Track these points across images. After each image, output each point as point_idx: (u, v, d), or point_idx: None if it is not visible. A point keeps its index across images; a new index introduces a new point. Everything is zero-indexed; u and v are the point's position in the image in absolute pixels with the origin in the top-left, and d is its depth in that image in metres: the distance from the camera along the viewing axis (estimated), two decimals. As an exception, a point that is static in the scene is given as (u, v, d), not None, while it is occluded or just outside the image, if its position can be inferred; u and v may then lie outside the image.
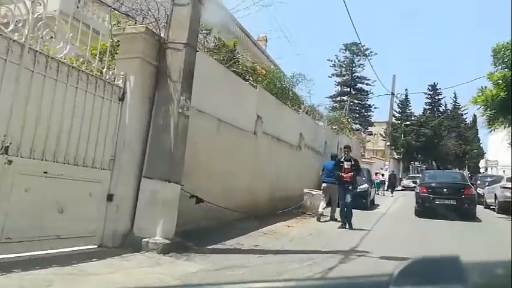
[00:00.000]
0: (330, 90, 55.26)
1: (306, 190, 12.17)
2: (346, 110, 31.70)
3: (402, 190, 37.77)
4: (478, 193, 20.85)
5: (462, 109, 59.60)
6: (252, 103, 10.13)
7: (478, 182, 21.87)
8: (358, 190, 12.94)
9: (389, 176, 28.28)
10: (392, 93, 37.66)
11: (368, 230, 9.71)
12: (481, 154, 65.66)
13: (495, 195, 16.09)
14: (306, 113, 16.05)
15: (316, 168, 16.33)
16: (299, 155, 14.19)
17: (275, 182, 11.57)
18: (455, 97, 60.36)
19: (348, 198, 10.00)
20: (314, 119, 17.58)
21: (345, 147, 11.40)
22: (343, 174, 10.29)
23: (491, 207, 17.78)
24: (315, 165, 16.24)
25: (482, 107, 14.40)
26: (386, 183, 28.66)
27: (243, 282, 0.78)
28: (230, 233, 7.31)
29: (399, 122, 45.66)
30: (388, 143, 37.48)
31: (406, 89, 47.20)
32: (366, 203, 15.13)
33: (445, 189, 13.50)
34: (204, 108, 7.49)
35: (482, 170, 36.70)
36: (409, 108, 47.72)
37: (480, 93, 14.09)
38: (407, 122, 42.94)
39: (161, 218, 5.70)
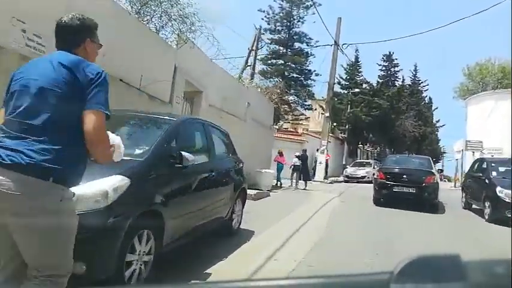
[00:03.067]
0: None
1: None
2: (255, 41, 19.17)
3: (345, 182, 26.55)
4: (497, 196, 9.44)
5: (422, 84, 49.87)
6: None
7: (494, 173, 10.30)
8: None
9: (301, 157, 16.32)
10: (336, 42, 25.85)
11: None
12: (436, 141, 56.92)
13: None
14: None
15: None
16: None
17: None
18: (415, 70, 50.40)
19: None
20: None
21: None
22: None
23: None
24: None
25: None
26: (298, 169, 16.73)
27: (243, 280, 0.85)
28: None
29: (346, 91, 34.18)
30: (327, 114, 25.65)
31: (357, 50, 35.51)
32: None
33: (404, 176, 11.58)
34: None
35: (457, 156, 25.83)
36: (359, 75, 36.39)
37: None
38: (357, 90, 31.47)
39: None
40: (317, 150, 26.04)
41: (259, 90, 15.34)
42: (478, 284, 0.66)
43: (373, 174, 14.89)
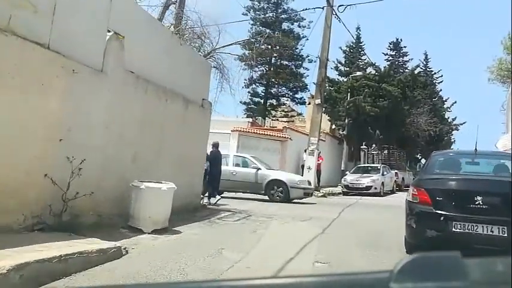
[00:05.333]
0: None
1: None
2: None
3: (344, 194, 19.56)
4: None
5: (435, 75, 42.91)
6: None
7: None
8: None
9: (209, 156, 9.40)
10: (329, 3, 18.85)
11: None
12: (450, 143, 50.09)
13: None
14: None
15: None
16: None
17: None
18: (426, 59, 43.49)
19: None
20: None
21: None
22: None
23: None
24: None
25: None
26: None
27: (244, 279, 0.77)
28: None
29: (345, 78, 27.01)
30: (318, 101, 18.51)
31: (358, 28, 28.55)
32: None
33: (478, 198, 4.84)
34: None
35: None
36: (362, 58, 29.15)
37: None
38: (358, 73, 24.22)
39: None
40: (305, 151, 18.89)
41: (172, 30, 8.07)
42: (478, 282, 0.65)
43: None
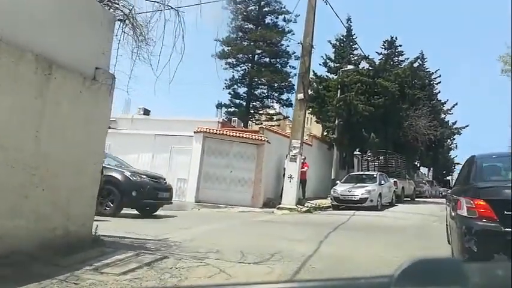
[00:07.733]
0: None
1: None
2: None
3: (334, 207, 16.36)
4: None
5: (433, 76, 40.05)
6: None
7: None
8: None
9: None
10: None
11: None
12: (448, 149, 47.16)
13: None
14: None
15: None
16: None
17: None
18: (422, 59, 40.53)
19: None
20: None
21: None
22: None
23: None
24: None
25: None
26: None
27: (245, 284, 0.80)
28: None
29: (335, 75, 23.80)
30: (300, 96, 15.27)
31: (349, 19, 25.47)
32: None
33: None
34: None
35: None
36: (354, 53, 25.98)
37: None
38: (350, 66, 21.05)
39: None
40: (286, 156, 15.58)
41: None
42: (477, 287, 0.64)
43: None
